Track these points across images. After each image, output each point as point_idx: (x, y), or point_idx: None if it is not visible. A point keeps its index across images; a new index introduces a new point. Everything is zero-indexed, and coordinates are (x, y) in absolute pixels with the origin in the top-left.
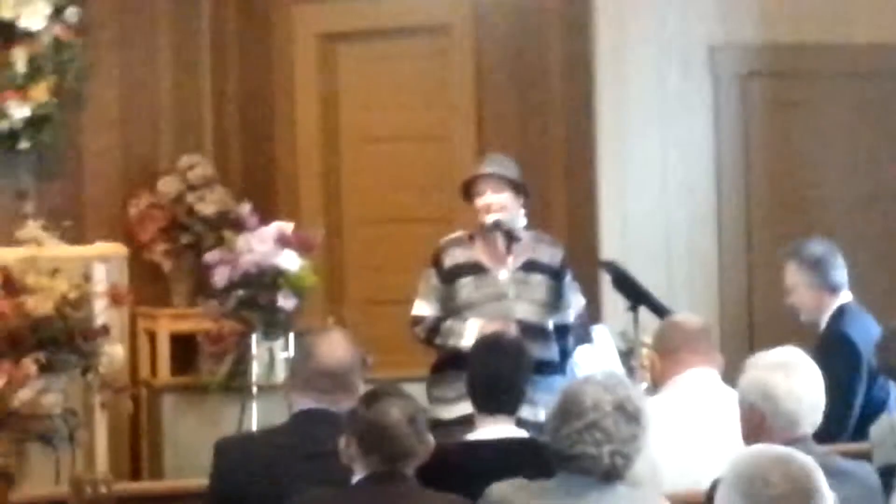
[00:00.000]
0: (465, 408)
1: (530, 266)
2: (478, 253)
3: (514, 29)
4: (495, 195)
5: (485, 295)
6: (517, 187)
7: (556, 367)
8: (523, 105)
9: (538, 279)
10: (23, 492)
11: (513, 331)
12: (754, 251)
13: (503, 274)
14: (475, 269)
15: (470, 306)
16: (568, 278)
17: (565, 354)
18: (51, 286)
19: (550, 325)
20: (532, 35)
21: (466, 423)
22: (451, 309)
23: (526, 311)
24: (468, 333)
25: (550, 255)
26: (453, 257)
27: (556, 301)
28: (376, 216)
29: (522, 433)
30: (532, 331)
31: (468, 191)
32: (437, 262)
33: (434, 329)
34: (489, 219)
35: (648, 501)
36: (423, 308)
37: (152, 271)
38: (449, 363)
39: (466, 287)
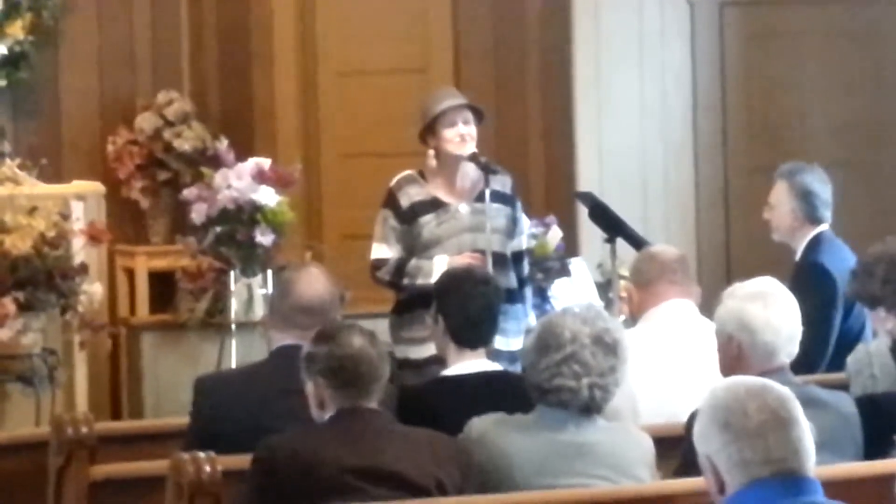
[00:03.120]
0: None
1: (485, 195)
2: (433, 189)
3: None
4: (466, 126)
5: (448, 230)
6: (479, 117)
7: (517, 294)
8: (501, 37)
9: (495, 208)
10: (3, 432)
11: (483, 263)
12: (731, 181)
13: (463, 207)
14: (434, 205)
15: (435, 243)
16: (519, 204)
17: (522, 282)
18: (29, 225)
19: (509, 252)
20: None
21: (437, 362)
22: (414, 248)
23: (490, 240)
24: (437, 270)
25: (501, 182)
26: (409, 196)
27: (512, 228)
28: (354, 150)
29: (497, 366)
30: (497, 260)
31: (430, 124)
32: (392, 203)
33: (399, 270)
34: (466, 150)
35: (627, 434)
36: (384, 251)
37: (130, 209)
38: (416, 303)
39: (429, 224)
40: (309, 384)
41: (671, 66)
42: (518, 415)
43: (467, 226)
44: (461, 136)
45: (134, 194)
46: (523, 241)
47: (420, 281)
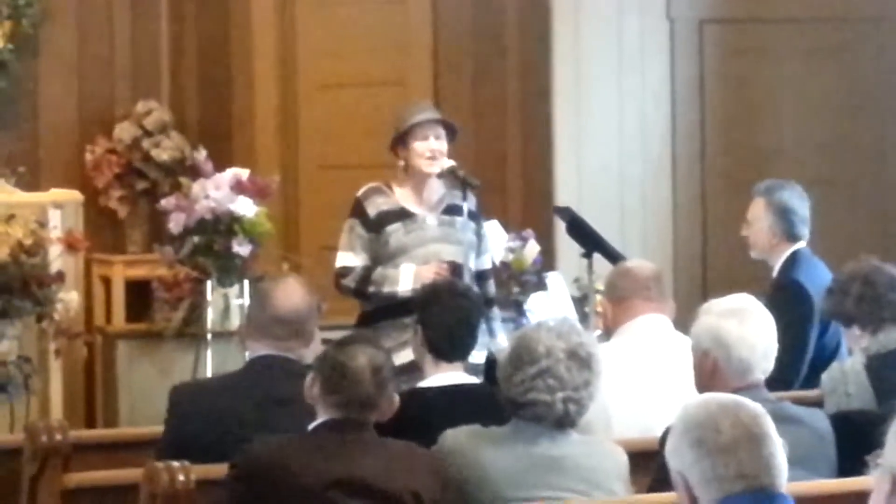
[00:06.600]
0: (403, 356)
1: (453, 210)
2: (400, 199)
3: None
4: (438, 142)
5: (416, 239)
6: (452, 134)
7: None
8: (480, 52)
9: (461, 221)
10: None
11: (450, 274)
12: (708, 198)
13: (430, 218)
14: (402, 214)
15: (402, 252)
16: (483, 222)
17: (488, 301)
18: (6, 232)
19: (474, 268)
20: None
21: (404, 372)
22: (381, 256)
23: (455, 253)
24: (403, 279)
25: (469, 199)
26: (376, 205)
27: (478, 244)
28: (332, 162)
29: (474, 379)
30: (462, 273)
31: (402, 136)
32: (359, 212)
33: (365, 278)
34: (435, 169)
35: (601, 447)
36: (350, 258)
37: (108, 217)
38: (379, 315)
39: (396, 233)
40: (309, 376)
41: (650, 82)
42: (492, 428)
43: (435, 237)
44: (431, 152)
45: (112, 203)
46: (487, 261)
47: (386, 289)
